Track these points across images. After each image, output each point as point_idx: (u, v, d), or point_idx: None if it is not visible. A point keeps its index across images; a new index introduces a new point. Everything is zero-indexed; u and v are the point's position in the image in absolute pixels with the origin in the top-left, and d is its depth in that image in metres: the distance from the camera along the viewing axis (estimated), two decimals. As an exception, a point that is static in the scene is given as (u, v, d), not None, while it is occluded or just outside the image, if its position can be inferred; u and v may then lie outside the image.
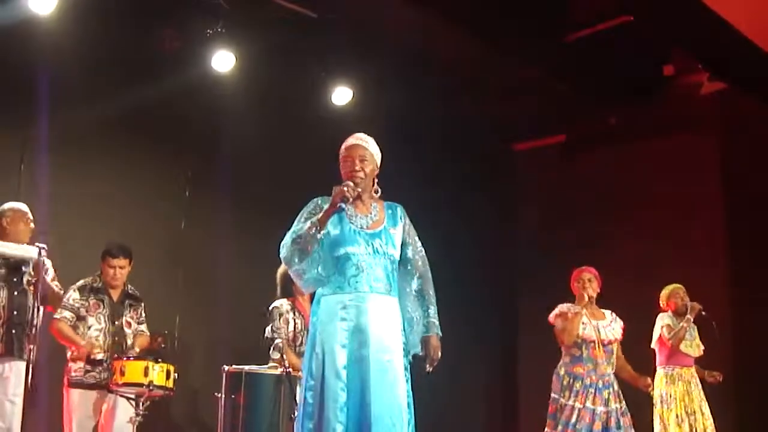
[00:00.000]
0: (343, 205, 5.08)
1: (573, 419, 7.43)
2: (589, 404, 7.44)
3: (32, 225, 7.21)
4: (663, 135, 11.18)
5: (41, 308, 7.09)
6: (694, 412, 8.68)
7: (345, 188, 5.04)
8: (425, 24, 9.56)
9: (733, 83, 10.49)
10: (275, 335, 7.81)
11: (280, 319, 7.97)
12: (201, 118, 9.59)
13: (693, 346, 8.90)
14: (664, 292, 9.07)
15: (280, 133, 10.05)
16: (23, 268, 7.09)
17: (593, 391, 7.48)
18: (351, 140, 5.34)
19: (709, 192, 10.87)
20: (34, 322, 6.89)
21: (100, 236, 8.01)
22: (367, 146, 5.29)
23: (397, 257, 5.26)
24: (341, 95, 10.18)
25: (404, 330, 5.21)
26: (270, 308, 8.03)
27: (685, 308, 8.86)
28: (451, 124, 11.39)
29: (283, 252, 5.05)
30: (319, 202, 5.22)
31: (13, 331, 6.91)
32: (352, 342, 4.98)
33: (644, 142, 11.37)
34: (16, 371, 6.91)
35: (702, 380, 8.91)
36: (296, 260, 5.02)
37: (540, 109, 11.58)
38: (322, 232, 5.03)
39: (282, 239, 5.11)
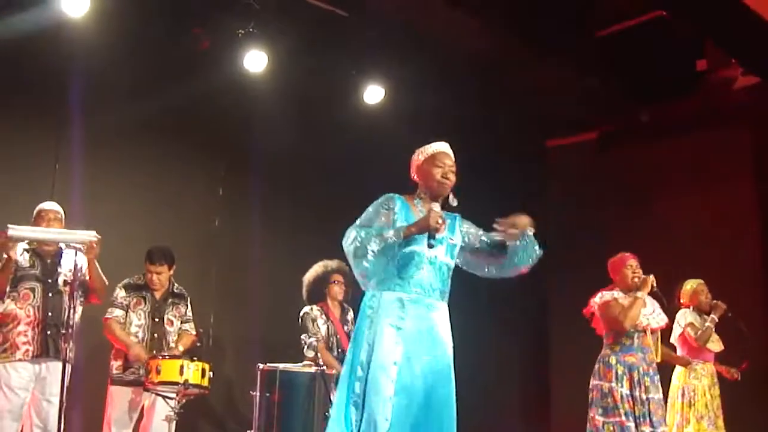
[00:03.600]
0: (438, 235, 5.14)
1: (635, 410, 7.37)
2: (644, 395, 7.39)
3: (56, 223, 7.14)
4: (696, 130, 11.11)
5: (79, 308, 7.18)
6: (713, 409, 8.64)
7: (438, 221, 5.06)
8: (456, 21, 9.54)
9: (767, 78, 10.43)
10: (312, 339, 7.89)
11: (313, 325, 8.05)
12: (233, 118, 9.65)
13: (714, 341, 8.87)
14: (687, 288, 9.02)
15: (312, 131, 10.08)
16: (59, 269, 7.15)
17: (648, 380, 7.43)
18: (440, 147, 5.43)
19: (743, 187, 10.79)
20: (70, 322, 6.99)
21: (134, 235, 8.08)
22: (453, 158, 5.40)
23: (453, 266, 5.35)
24: (373, 94, 10.19)
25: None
26: (300, 314, 8.12)
27: (708, 306, 8.84)
28: (483, 121, 11.36)
29: (351, 247, 4.99)
30: (395, 199, 5.24)
31: (48, 332, 6.96)
32: (406, 341, 5.00)
33: (678, 137, 11.29)
34: (52, 371, 6.98)
35: (719, 375, 8.88)
36: (365, 260, 4.97)
37: (572, 106, 11.53)
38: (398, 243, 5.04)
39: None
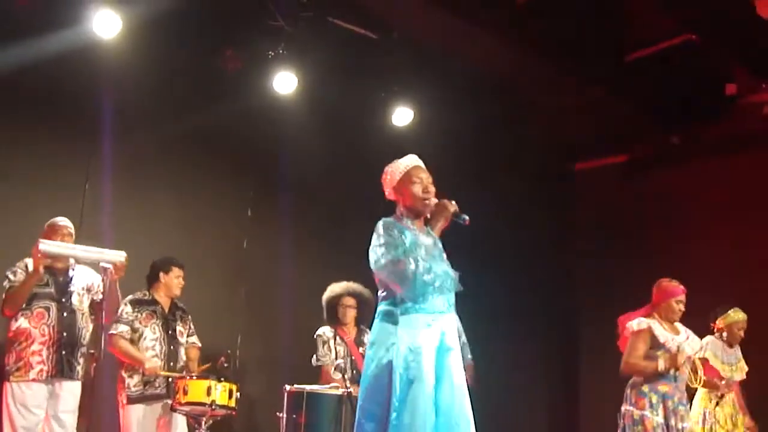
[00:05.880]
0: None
1: None
2: (680, 423, 7.31)
3: (69, 238, 7.13)
4: (726, 155, 11.05)
5: (90, 326, 7.20)
6: None
7: (452, 202, 5.10)
8: (485, 44, 9.55)
9: (797, 102, 10.39)
10: (320, 362, 7.98)
11: (323, 347, 8.13)
12: (263, 139, 9.68)
13: (737, 370, 8.75)
14: (727, 314, 8.86)
15: (341, 153, 10.12)
16: (71, 288, 7.16)
17: (682, 409, 7.37)
18: (412, 161, 5.35)
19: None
20: (85, 341, 7.03)
21: (163, 254, 8.09)
22: (426, 169, 5.33)
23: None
24: (402, 116, 10.21)
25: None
26: (314, 336, 8.17)
27: (739, 339, 8.75)
28: (512, 144, 11.36)
29: (403, 263, 4.93)
30: (392, 222, 5.17)
31: (63, 352, 6.95)
32: (438, 362, 4.97)
33: (707, 161, 11.24)
34: (67, 390, 6.98)
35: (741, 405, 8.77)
36: (417, 275, 4.94)
37: (601, 129, 11.52)
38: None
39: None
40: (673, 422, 7.27)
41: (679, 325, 7.65)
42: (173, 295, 7.88)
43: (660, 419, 7.27)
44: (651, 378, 7.37)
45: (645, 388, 7.37)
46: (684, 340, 7.50)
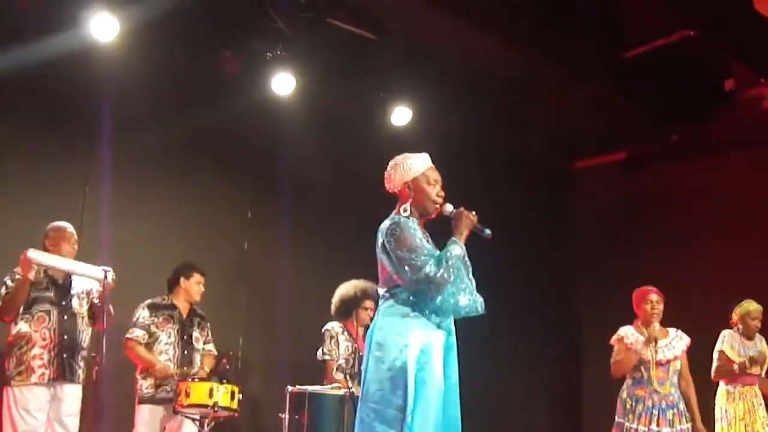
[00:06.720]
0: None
1: None
2: (654, 426, 7.34)
3: (76, 245, 7.13)
4: (725, 151, 11.06)
5: (88, 329, 7.18)
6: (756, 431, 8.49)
7: (472, 212, 5.04)
8: (484, 43, 9.56)
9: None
10: (326, 357, 7.95)
11: (331, 342, 8.12)
12: (261, 140, 9.67)
13: (758, 364, 8.71)
14: (741, 306, 8.75)
15: (340, 153, 10.12)
16: (71, 291, 7.14)
17: (656, 413, 7.36)
18: (428, 161, 5.25)
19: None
20: (85, 345, 7.02)
21: (163, 256, 8.13)
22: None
23: None
24: (400, 115, 10.20)
25: None
26: (322, 330, 8.15)
27: (755, 330, 8.70)
28: (511, 142, 11.37)
29: (443, 277, 4.86)
30: (409, 223, 5.05)
31: (64, 355, 6.93)
32: (445, 361, 4.96)
33: (706, 158, 11.26)
34: (69, 394, 6.97)
35: (765, 397, 8.70)
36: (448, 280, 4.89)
37: (600, 127, 11.52)
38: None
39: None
40: (652, 426, 7.31)
41: (670, 330, 7.68)
42: (193, 300, 7.96)
43: (629, 424, 7.36)
44: (631, 383, 7.52)
45: (624, 394, 7.54)
46: (665, 345, 7.54)
